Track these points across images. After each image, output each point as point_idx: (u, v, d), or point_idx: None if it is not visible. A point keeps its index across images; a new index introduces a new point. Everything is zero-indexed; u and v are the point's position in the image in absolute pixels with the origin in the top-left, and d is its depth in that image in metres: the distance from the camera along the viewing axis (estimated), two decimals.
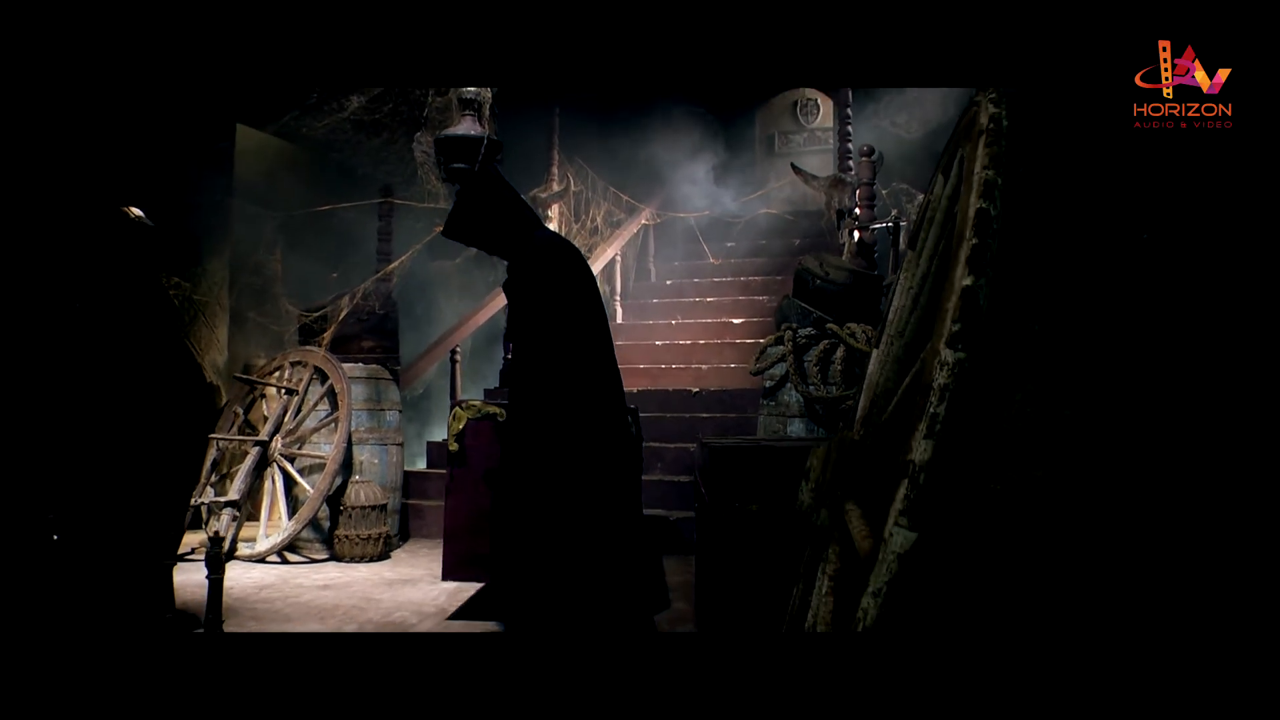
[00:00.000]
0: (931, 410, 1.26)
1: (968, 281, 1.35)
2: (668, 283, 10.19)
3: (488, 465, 5.02)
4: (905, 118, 9.82)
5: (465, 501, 5.23)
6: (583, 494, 3.52)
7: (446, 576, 5.18)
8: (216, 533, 3.45)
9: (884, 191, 7.42)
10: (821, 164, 10.22)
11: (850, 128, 8.26)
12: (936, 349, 1.33)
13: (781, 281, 8.53)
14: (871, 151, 6.72)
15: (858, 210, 6.71)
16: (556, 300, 3.52)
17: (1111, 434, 1.67)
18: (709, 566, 3.08)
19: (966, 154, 1.83)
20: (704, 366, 7.98)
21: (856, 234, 6.49)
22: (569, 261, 3.67)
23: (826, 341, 5.14)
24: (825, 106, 11.75)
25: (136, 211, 3.94)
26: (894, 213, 6.79)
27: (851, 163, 7.47)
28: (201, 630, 3.62)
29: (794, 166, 8.32)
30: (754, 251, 10.36)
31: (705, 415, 7.13)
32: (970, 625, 1.48)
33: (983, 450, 1.70)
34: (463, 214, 3.70)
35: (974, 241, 1.39)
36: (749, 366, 5.69)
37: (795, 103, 12.22)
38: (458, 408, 5.42)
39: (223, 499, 5.64)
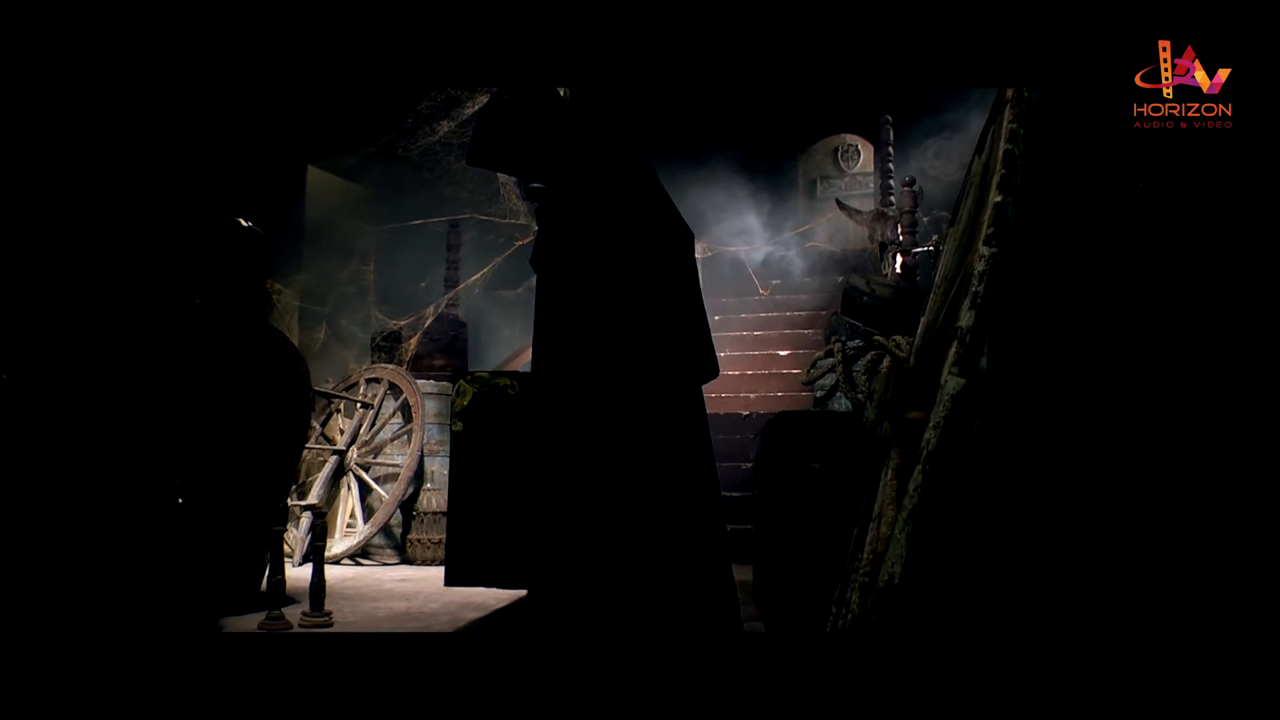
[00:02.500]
0: (973, 289, 1.59)
1: (998, 199, 1.69)
2: (715, 318, 10.50)
3: (498, 446, 4.14)
4: (942, 162, 10.15)
5: (472, 491, 4.16)
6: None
7: (449, 582, 4.12)
8: (316, 505, 3.82)
9: (924, 219, 7.75)
10: (862, 207, 10.56)
11: (891, 165, 8.61)
12: (976, 248, 1.66)
13: (825, 316, 8.85)
14: (913, 182, 7.09)
15: (901, 238, 7.07)
16: (618, 222, 2.57)
17: (1117, 347, 2.00)
18: (770, 526, 3.38)
19: (995, 129, 2.20)
20: (752, 395, 8.30)
21: (899, 258, 6.83)
22: (638, 174, 2.67)
23: (873, 352, 5.46)
24: (865, 152, 12.07)
25: (246, 222, 4.40)
26: (935, 238, 7.12)
27: (893, 197, 7.82)
28: (301, 604, 3.96)
29: (839, 202, 8.72)
30: (798, 289, 10.68)
31: (754, 436, 7.42)
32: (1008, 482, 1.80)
33: (1016, 364, 2.04)
34: (492, 125, 2.74)
35: (1003, 172, 1.74)
36: (795, 395, 6.00)
37: (836, 148, 12.54)
38: (463, 381, 4.37)
39: (302, 503, 6.03)
